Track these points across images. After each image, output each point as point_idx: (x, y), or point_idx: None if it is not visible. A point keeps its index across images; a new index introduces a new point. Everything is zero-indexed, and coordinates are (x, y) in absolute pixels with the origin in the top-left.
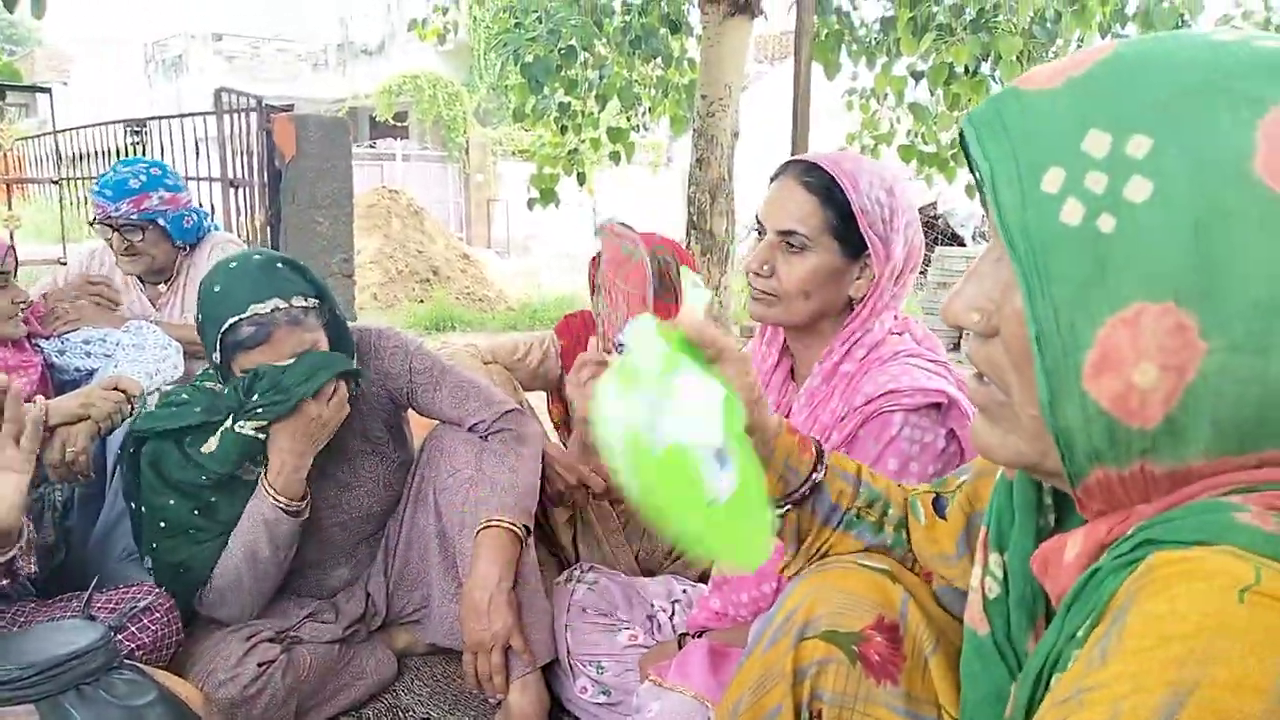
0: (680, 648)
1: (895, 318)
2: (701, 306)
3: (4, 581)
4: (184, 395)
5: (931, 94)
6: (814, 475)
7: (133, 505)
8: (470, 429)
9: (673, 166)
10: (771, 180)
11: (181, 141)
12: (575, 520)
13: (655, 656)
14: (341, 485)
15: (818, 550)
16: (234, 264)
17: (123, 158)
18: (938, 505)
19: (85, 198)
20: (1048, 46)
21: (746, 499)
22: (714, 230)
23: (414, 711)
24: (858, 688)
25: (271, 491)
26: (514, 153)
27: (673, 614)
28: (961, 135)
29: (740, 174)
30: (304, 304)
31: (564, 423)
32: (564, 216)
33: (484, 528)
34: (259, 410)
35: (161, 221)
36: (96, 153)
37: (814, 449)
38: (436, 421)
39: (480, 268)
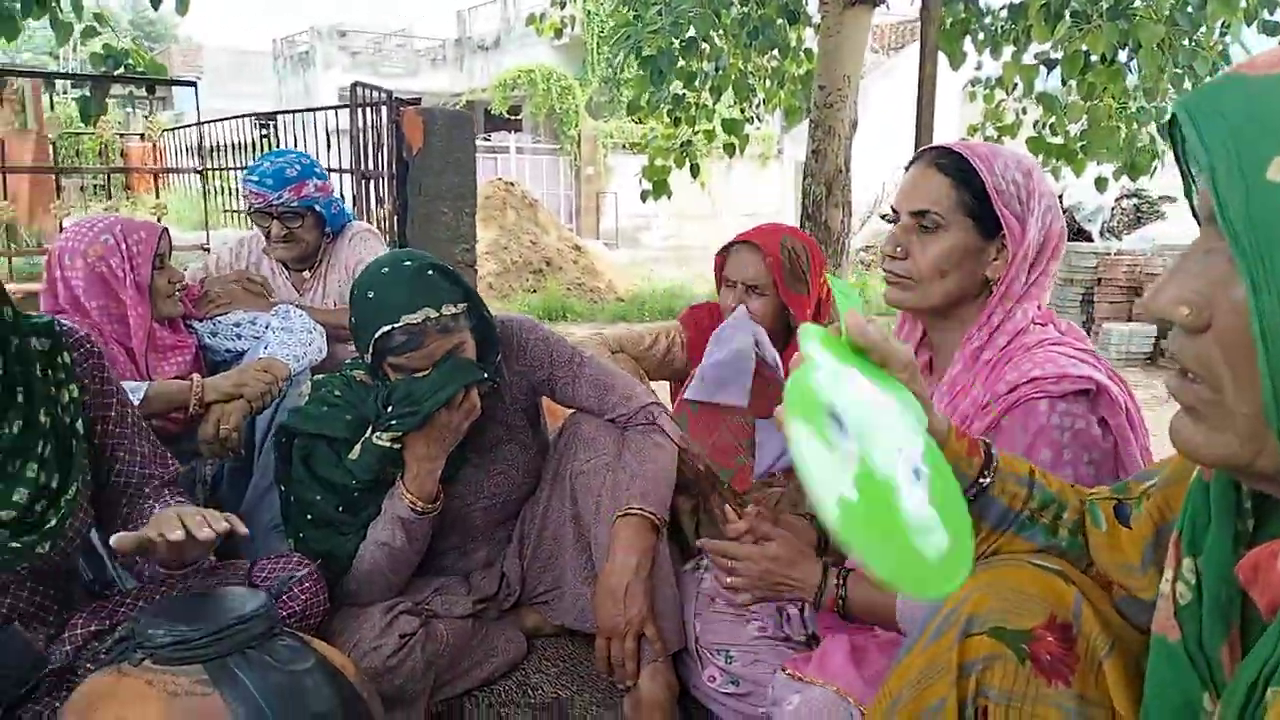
0: (809, 647)
1: (1039, 308)
2: (859, 309)
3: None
4: (335, 392)
5: (1064, 84)
6: (981, 479)
7: (282, 489)
8: (610, 419)
9: (783, 159)
10: (906, 169)
11: (309, 135)
12: (699, 510)
13: None
14: (482, 472)
15: (986, 551)
16: (386, 269)
17: (256, 150)
18: (1120, 512)
19: (222, 188)
20: (1190, 34)
21: (948, 512)
22: (829, 223)
23: (543, 690)
24: (1026, 687)
25: (408, 495)
26: (625, 145)
27: (802, 608)
28: (1171, 123)
29: (854, 167)
30: (453, 311)
31: None
32: (674, 209)
33: (622, 515)
34: (393, 423)
35: (318, 208)
36: (229, 145)
37: (983, 452)
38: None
39: (591, 259)
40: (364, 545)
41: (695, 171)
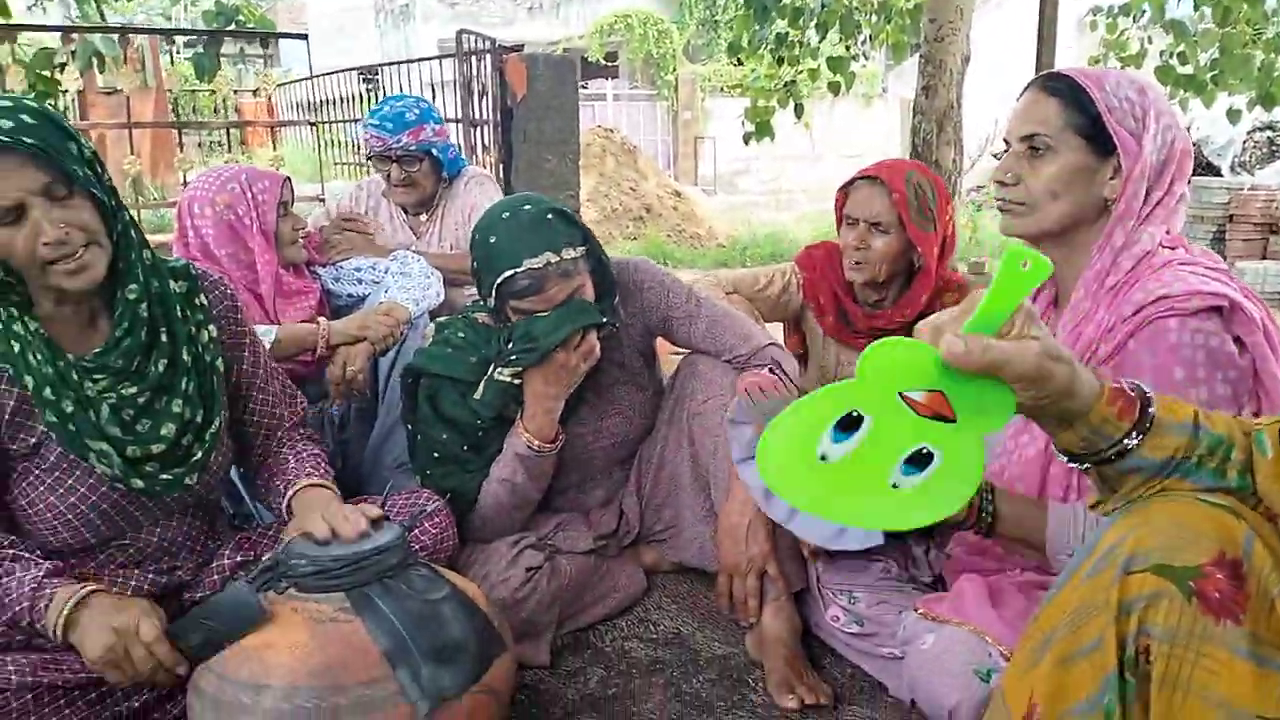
0: (934, 589)
1: (1167, 233)
2: (1021, 292)
3: None
4: (459, 334)
5: (1196, 9)
6: (1126, 441)
7: (409, 428)
8: (727, 361)
9: (887, 97)
10: (1017, 100)
11: (412, 87)
12: None
13: None
14: (600, 413)
15: (1149, 492)
16: (506, 214)
17: (362, 104)
18: None
19: (332, 140)
20: None
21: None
22: (940, 161)
23: (664, 626)
24: (1193, 625)
25: (525, 433)
26: (722, 88)
27: (928, 550)
28: None
29: (965, 103)
30: (573, 254)
31: (802, 356)
32: (774, 152)
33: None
34: (512, 359)
35: (435, 153)
36: (336, 99)
37: (1137, 414)
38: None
39: (691, 205)
40: (487, 482)
41: (799, 112)
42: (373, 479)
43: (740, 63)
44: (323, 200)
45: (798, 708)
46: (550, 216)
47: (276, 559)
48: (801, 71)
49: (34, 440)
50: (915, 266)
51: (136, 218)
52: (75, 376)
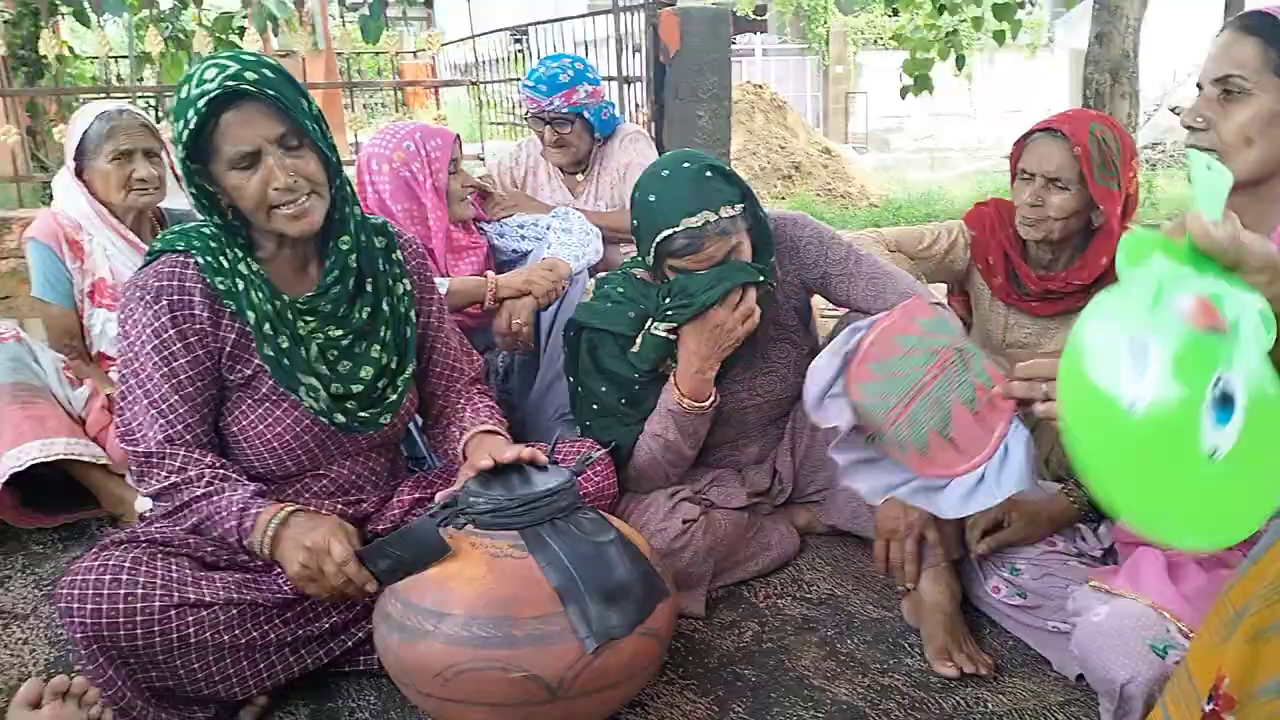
0: (1104, 563)
1: None
2: (1218, 197)
3: None
4: (619, 289)
5: None
6: None
7: (570, 379)
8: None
9: (1053, 48)
10: (1213, 40)
11: (563, 46)
12: None
13: None
14: (755, 370)
15: None
16: (666, 172)
17: (512, 64)
18: None
19: (486, 101)
20: None
21: (1256, 452)
22: (1114, 114)
23: (818, 587)
24: None
25: (678, 391)
26: (876, 41)
27: (1098, 525)
28: None
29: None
30: (731, 213)
31: (964, 319)
32: (928, 108)
33: None
34: (668, 314)
35: (587, 114)
36: (490, 60)
37: None
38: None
39: (841, 163)
40: (641, 436)
41: (961, 63)
42: (534, 428)
43: (896, 13)
44: (482, 159)
45: (956, 675)
46: (709, 174)
47: (456, 497)
48: (964, 20)
49: (249, 372)
50: (1093, 226)
51: None
52: (290, 316)
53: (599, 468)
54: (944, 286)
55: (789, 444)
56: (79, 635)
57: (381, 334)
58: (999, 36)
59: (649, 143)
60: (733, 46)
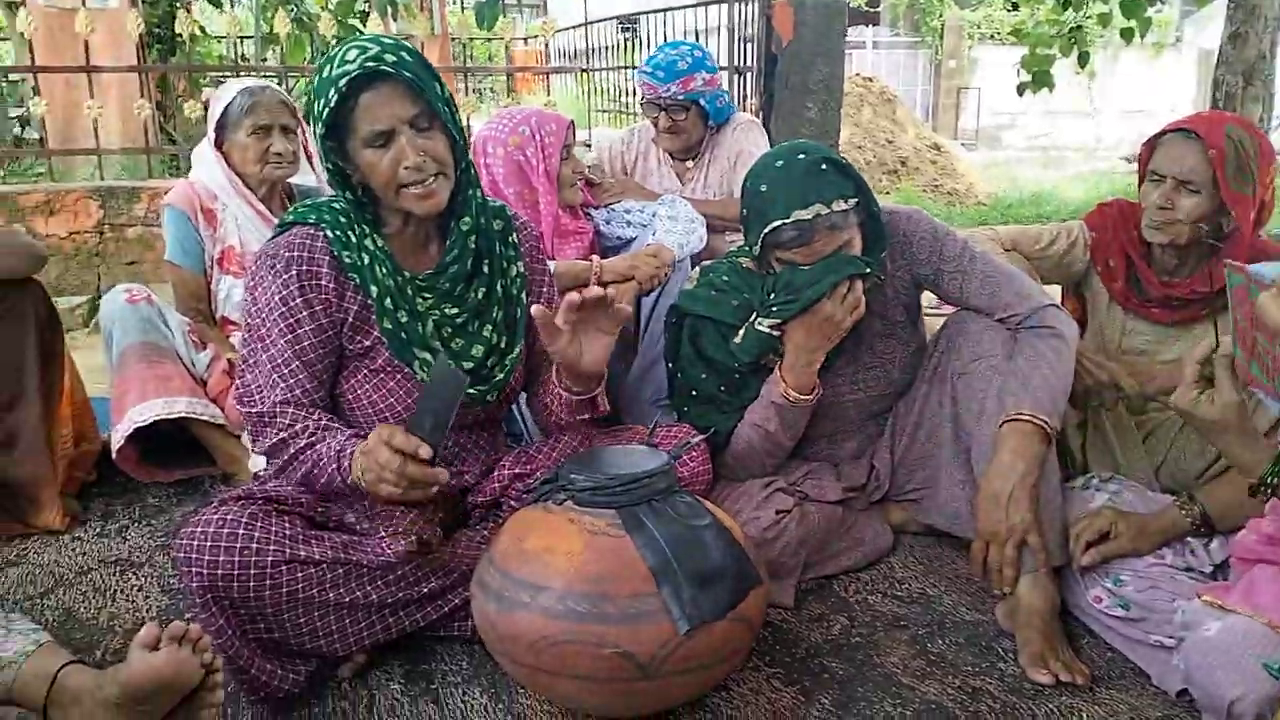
0: (1214, 579)
1: None
2: None
3: (586, 415)
4: (723, 277)
5: None
6: None
7: (669, 365)
8: (999, 320)
9: (1180, 48)
10: None
11: (672, 34)
12: (1086, 425)
13: None
14: (859, 364)
15: None
16: (780, 162)
17: (620, 53)
18: None
19: (595, 87)
20: None
21: None
22: (1245, 117)
23: (910, 585)
24: None
25: (783, 383)
26: (993, 35)
27: (1209, 540)
28: None
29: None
30: (843, 207)
31: (1078, 322)
32: (1044, 105)
33: (1009, 420)
34: (773, 309)
35: (702, 102)
36: (599, 47)
37: None
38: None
39: (950, 159)
40: (740, 425)
41: (1084, 60)
42: (631, 412)
43: (1016, 7)
44: (588, 145)
45: (1051, 683)
46: (824, 167)
47: (556, 473)
48: (1089, 16)
49: (368, 344)
50: (1224, 231)
51: None
52: (409, 292)
53: (695, 453)
54: (1059, 288)
55: (888, 440)
56: (195, 585)
57: (494, 314)
58: (1127, 34)
59: (762, 133)
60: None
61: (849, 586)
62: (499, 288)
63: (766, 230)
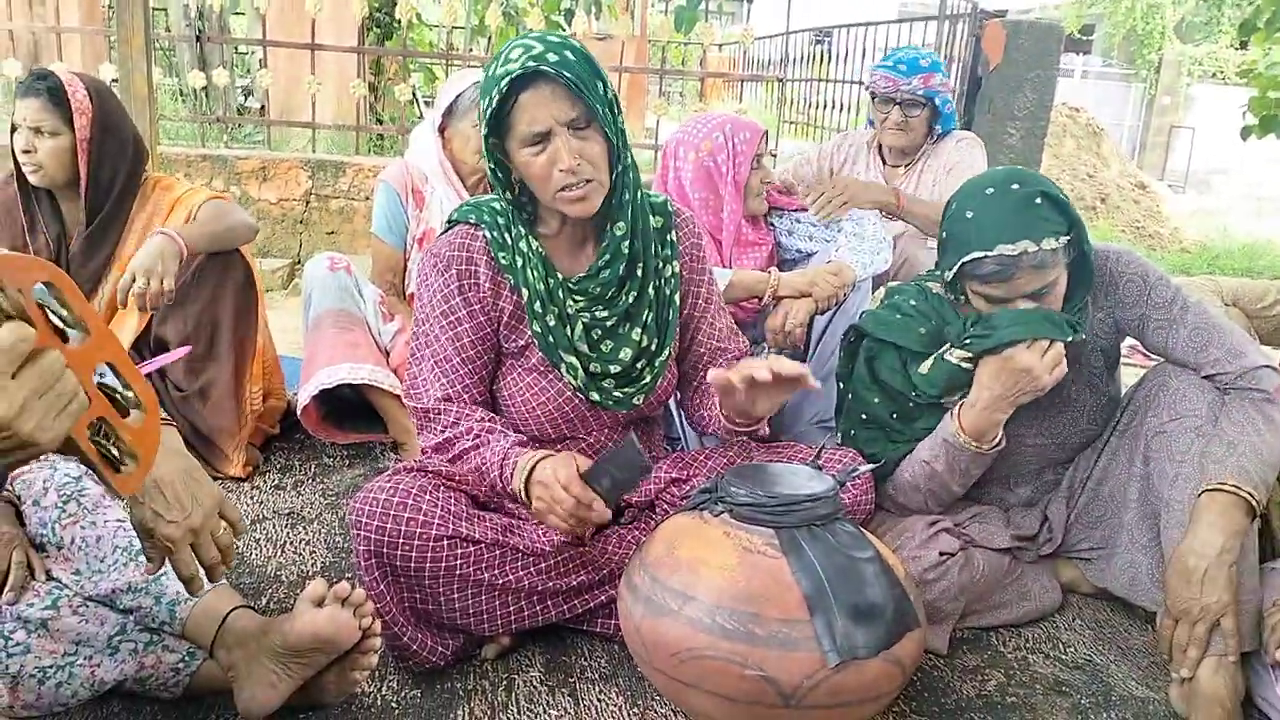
0: None
1: None
2: None
3: (744, 436)
4: (911, 301)
5: None
6: None
7: (841, 386)
8: (1206, 377)
9: None
10: None
11: (866, 50)
12: None
13: None
14: (1044, 409)
15: None
16: (991, 190)
17: (813, 65)
18: None
19: (782, 99)
20: None
21: None
22: None
23: (1075, 649)
24: None
25: (958, 424)
26: (1215, 74)
27: None
28: None
29: None
30: (1053, 245)
31: None
32: (1265, 153)
33: (1211, 489)
34: (967, 342)
35: (937, 101)
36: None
37: None
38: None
39: (1155, 200)
40: (910, 457)
41: None
42: (790, 431)
43: (1246, 45)
44: (775, 155)
45: None
46: (1039, 201)
47: (716, 483)
48: None
49: (522, 342)
50: None
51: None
52: (561, 295)
53: (860, 480)
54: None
55: (1065, 492)
56: (362, 548)
57: (644, 317)
58: None
59: (984, 152)
60: None
61: (1009, 642)
62: (651, 289)
63: (965, 259)
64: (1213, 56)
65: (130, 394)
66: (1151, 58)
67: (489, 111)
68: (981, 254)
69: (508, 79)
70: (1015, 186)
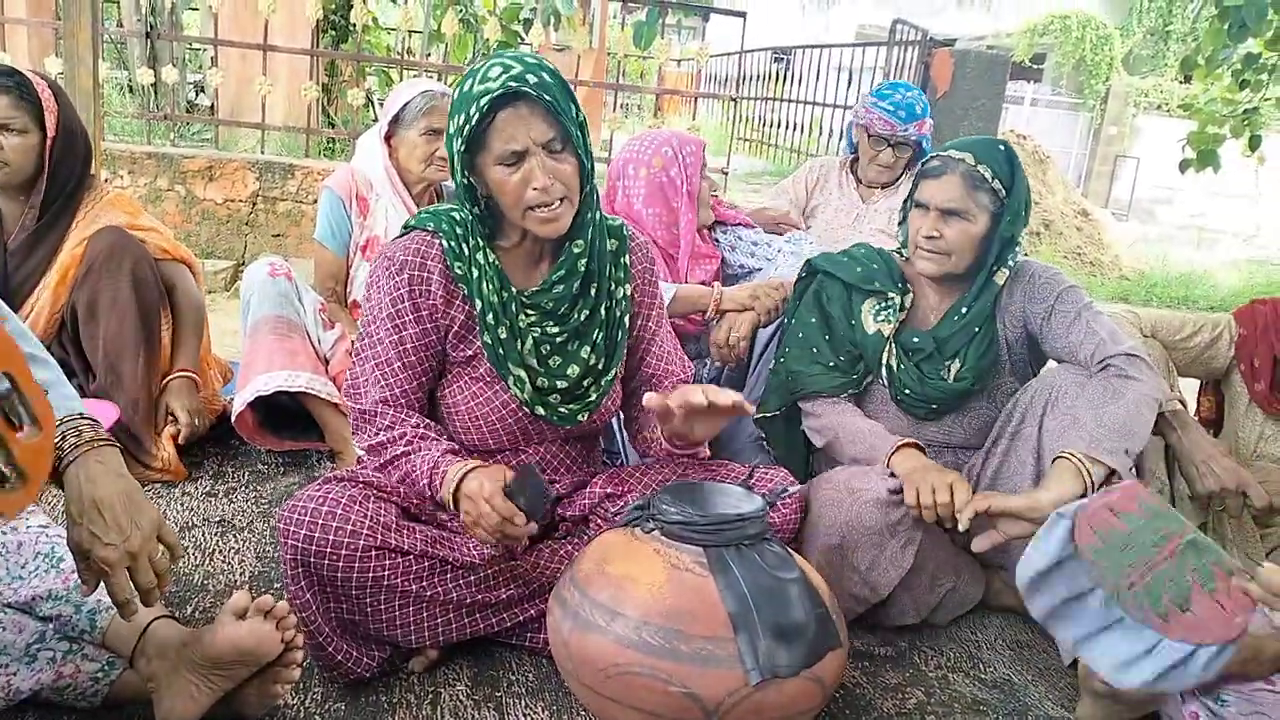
0: None
1: None
2: None
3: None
4: (862, 250)
5: None
6: None
7: (790, 321)
8: (1080, 362)
9: None
10: None
11: (822, 71)
12: (1206, 529)
13: None
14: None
15: None
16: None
17: (770, 83)
18: None
19: (736, 116)
20: None
21: None
22: None
23: (994, 668)
24: None
25: (888, 461)
26: (1160, 106)
27: None
28: None
29: None
30: (987, 176)
31: (1212, 420)
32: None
33: (1059, 457)
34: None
35: (925, 145)
36: (749, 76)
37: None
38: None
39: (1097, 228)
40: (841, 412)
41: (1255, 144)
42: (728, 448)
43: (1189, 80)
44: (726, 173)
45: None
46: (1002, 148)
47: (649, 501)
48: (1268, 99)
49: (470, 353)
50: None
51: None
52: (514, 309)
53: (790, 501)
54: (1195, 382)
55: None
56: (289, 557)
57: (594, 336)
58: None
59: None
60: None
61: (930, 660)
62: (603, 310)
63: (925, 160)
64: (1158, 89)
65: (23, 410)
66: (1099, 88)
67: (466, 129)
68: (936, 152)
69: (488, 98)
70: (997, 139)
